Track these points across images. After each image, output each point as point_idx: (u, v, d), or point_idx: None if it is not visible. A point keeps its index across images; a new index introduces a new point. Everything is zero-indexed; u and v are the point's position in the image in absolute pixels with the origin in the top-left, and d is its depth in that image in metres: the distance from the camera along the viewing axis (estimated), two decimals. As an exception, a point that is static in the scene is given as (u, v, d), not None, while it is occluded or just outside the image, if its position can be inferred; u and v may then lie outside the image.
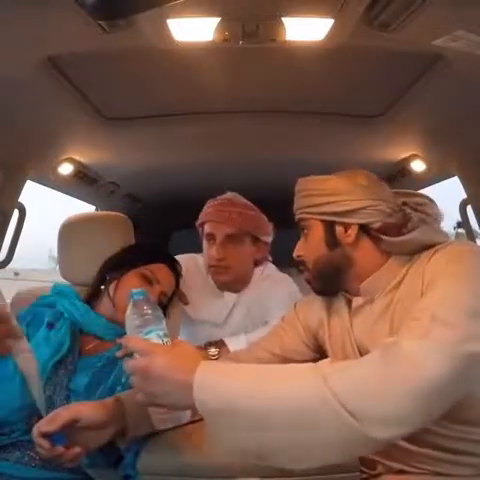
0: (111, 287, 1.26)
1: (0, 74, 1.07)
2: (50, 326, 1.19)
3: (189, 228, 3.29)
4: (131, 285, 1.19)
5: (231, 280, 1.56)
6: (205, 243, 1.57)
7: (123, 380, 1.11)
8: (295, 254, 1.07)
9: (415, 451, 0.91)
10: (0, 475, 1.00)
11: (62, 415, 0.89)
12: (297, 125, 1.64)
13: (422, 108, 1.37)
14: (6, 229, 1.72)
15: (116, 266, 1.30)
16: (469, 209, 1.87)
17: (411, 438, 0.91)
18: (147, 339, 0.81)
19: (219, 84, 1.30)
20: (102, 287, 1.30)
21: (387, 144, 1.78)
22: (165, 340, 0.82)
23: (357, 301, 1.03)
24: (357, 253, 1.00)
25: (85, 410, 0.92)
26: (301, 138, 1.80)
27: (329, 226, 1.01)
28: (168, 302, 1.34)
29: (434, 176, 1.98)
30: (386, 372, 0.72)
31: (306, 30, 0.97)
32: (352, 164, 2.08)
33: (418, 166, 1.88)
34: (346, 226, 1.00)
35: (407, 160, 1.89)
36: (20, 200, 1.74)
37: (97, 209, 2.54)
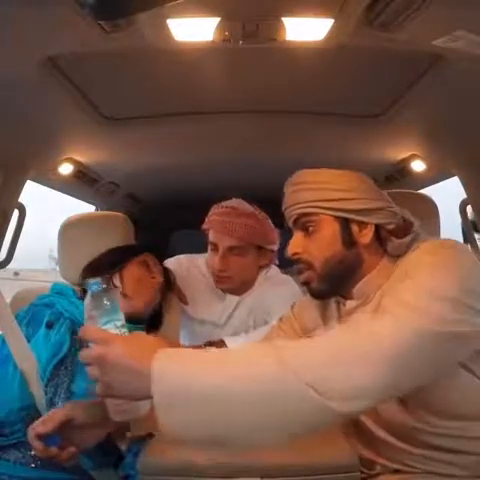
0: (116, 280, 1.26)
1: (0, 74, 1.07)
2: (49, 326, 1.19)
3: (189, 228, 3.29)
4: (135, 272, 1.25)
5: (233, 287, 1.56)
6: (209, 251, 1.56)
7: None
8: (292, 251, 0.99)
9: (411, 451, 0.92)
10: (0, 475, 1.00)
11: (56, 416, 0.89)
12: (297, 125, 1.64)
13: (422, 108, 1.37)
14: (6, 229, 1.72)
15: (112, 262, 1.31)
16: (469, 209, 1.87)
17: (406, 438, 0.92)
18: (104, 329, 0.81)
19: (219, 84, 1.30)
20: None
21: (387, 144, 1.78)
22: (122, 331, 0.82)
23: (351, 304, 1.00)
24: (366, 254, 0.98)
25: (79, 410, 0.91)
26: (301, 138, 1.80)
27: (345, 223, 0.97)
28: (165, 293, 1.37)
29: (434, 176, 1.99)
30: (344, 344, 0.73)
31: (306, 30, 0.97)
32: (352, 164, 2.08)
33: (418, 166, 1.87)
34: (360, 225, 0.97)
35: (407, 160, 1.89)
36: (20, 200, 1.74)
37: (97, 209, 2.54)
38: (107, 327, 0.82)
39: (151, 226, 2.77)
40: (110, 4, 0.68)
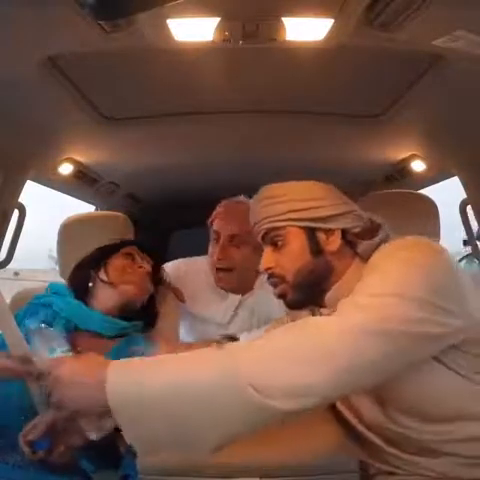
0: (102, 274, 1.28)
1: (0, 74, 1.07)
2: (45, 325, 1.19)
3: (189, 228, 3.29)
4: (119, 263, 1.29)
5: (233, 285, 1.55)
6: (211, 242, 1.57)
7: None
8: (265, 266, 0.99)
9: (400, 456, 0.92)
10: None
11: (43, 421, 0.90)
12: (297, 125, 1.64)
13: (422, 108, 1.37)
14: (6, 229, 1.72)
15: (97, 259, 1.33)
16: (469, 209, 1.87)
17: (394, 442, 0.92)
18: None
19: (219, 84, 1.30)
20: (90, 284, 1.30)
21: (387, 144, 1.78)
22: (70, 355, 0.91)
23: (325, 312, 0.99)
24: (336, 260, 0.98)
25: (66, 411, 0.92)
26: (301, 138, 1.80)
27: (311, 233, 0.97)
28: (157, 287, 1.39)
29: (434, 176, 1.98)
30: (289, 342, 0.75)
31: (306, 30, 0.97)
32: (352, 164, 2.10)
33: (418, 166, 1.87)
34: (327, 232, 0.97)
35: (407, 160, 1.88)
36: (20, 200, 1.74)
37: (97, 209, 2.54)
38: (54, 355, 0.91)
39: (151, 226, 2.77)
40: (110, 4, 0.68)
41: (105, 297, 1.27)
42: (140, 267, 1.32)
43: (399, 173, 2.03)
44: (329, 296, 0.98)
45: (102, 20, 0.86)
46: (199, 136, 1.75)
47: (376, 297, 0.80)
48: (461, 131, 1.54)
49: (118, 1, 0.68)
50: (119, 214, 1.54)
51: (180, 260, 1.73)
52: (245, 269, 1.51)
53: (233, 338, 1.35)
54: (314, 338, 0.75)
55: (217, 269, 1.52)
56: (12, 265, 1.87)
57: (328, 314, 0.96)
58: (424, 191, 2.06)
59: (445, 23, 0.90)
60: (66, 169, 1.82)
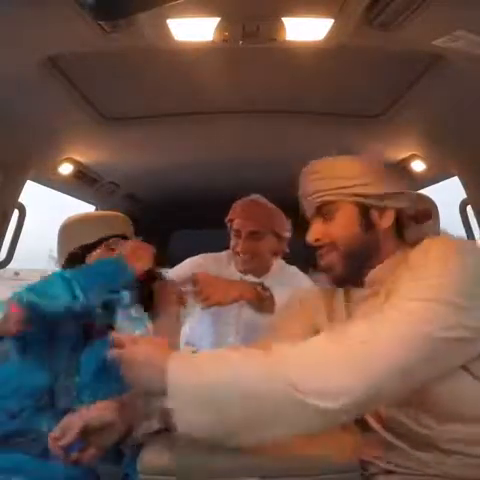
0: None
1: (0, 74, 1.07)
2: None
3: (189, 228, 3.29)
4: (98, 255, 1.33)
5: (252, 268, 1.78)
6: (233, 237, 1.79)
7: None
8: (312, 238, 1.00)
9: (409, 452, 0.91)
10: (12, 469, 1.01)
11: (74, 425, 0.91)
12: (297, 125, 1.64)
13: (422, 108, 1.37)
14: (6, 229, 1.72)
15: (80, 255, 1.35)
16: (469, 209, 1.87)
17: (406, 439, 0.92)
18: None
19: (219, 84, 1.30)
20: None
21: (387, 144, 1.78)
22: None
23: (362, 292, 0.99)
24: (384, 240, 0.97)
25: (95, 413, 0.94)
26: (301, 138, 1.80)
27: (364, 209, 0.96)
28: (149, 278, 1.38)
29: (434, 176, 1.98)
30: (333, 350, 0.78)
31: (306, 30, 0.97)
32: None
33: (418, 166, 1.87)
34: (381, 210, 0.96)
35: (407, 160, 1.88)
36: (20, 200, 1.74)
37: (97, 209, 2.54)
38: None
39: (151, 226, 2.77)
40: (110, 4, 0.68)
41: None
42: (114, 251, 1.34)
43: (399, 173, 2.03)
44: (370, 276, 0.98)
45: (102, 20, 0.86)
46: (199, 136, 1.75)
47: (415, 301, 0.80)
48: (461, 131, 1.54)
49: (118, 1, 0.68)
50: (119, 214, 1.53)
51: (198, 256, 1.92)
52: (263, 256, 1.77)
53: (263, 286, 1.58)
54: (355, 345, 0.78)
55: (240, 261, 1.76)
56: (12, 265, 1.87)
57: (367, 295, 0.97)
58: (424, 191, 2.07)
59: (445, 23, 0.90)
60: (66, 169, 1.82)
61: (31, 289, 1.13)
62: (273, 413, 0.77)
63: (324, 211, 1.00)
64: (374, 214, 0.97)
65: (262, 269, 1.80)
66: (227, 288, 1.51)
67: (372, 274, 0.97)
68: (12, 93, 1.18)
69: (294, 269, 1.88)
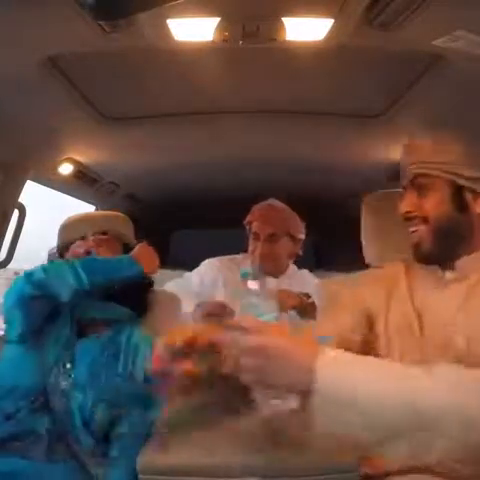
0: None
1: (0, 74, 1.07)
2: None
3: (189, 228, 3.29)
4: (75, 247, 1.35)
5: (272, 268, 1.88)
6: (251, 240, 1.90)
7: (120, 369, 1.17)
8: (405, 209, 0.99)
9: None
10: (10, 474, 1.01)
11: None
12: (297, 125, 1.64)
13: (422, 108, 1.37)
14: (6, 229, 1.72)
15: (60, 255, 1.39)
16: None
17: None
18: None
19: (219, 84, 1.30)
20: None
21: (387, 144, 1.78)
22: (275, 322, 0.79)
23: (450, 275, 0.97)
24: (479, 225, 0.95)
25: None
26: (301, 138, 1.80)
27: (458, 189, 0.95)
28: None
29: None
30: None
31: (306, 30, 0.97)
32: (352, 164, 2.10)
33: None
34: (477, 195, 0.95)
35: (407, 160, 1.88)
36: (20, 200, 1.74)
37: (97, 209, 2.54)
38: (265, 318, 0.79)
39: (151, 226, 2.77)
40: (110, 4, 0.68)
41: None
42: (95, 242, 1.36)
43: (399, 173, 2.03)
44: (462, 263, 0.96)
45: (102, 20, 0.86)
46: (199, 136, 1.75)
47: None
48: (461, 131, 1.54)
49: (118, 1, 0.68)
50: (119, 214, 1.53)
51: (215, 258, 2.02)
52: (280, 258, 1.90)
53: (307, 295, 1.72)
54: None
55: (259, 261, 1.84)
56: (12, 265, 1.87)
57: (454, 279, 0.95)
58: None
59: (445, 23, 0.90)
60: (66, 169, 1.82)
61: (41, 268, 1.16)
62: (437, 429, 0.69)
63: (419, 184, 0.98)
64: (468, 196, 0.95)
65: (279, 270, 1.92)
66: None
67: (462, 262, 0.95)
68: (12, 93, 1.18)
69: (305, 271, 2.03)
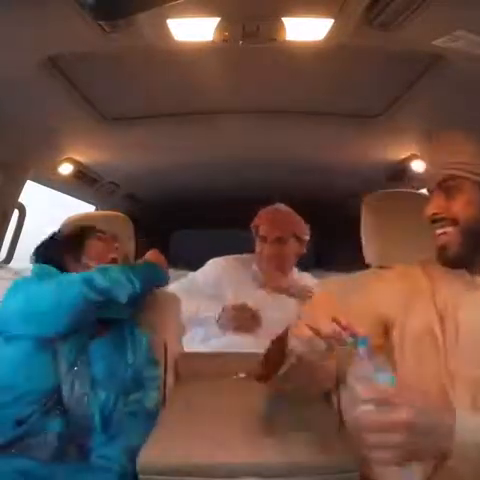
0: (84, 258, 1.34)
1: (0, 74, 1.07)
2: None
3: (189, 228, 3.29)
4: (96, 246, 1.36)
5: (279, 268, 2.00)
6: (259, 242, 2.00)
7: (130, 361, 1.23)
8: (432, 211, 0.97)
9: None
10: (18, 475, 1.00)
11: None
12: (297, 125, 1.64)
13: (422, 108, 1.37)
14: (6, 229, 1.72)
15: (72, 242, 1.37)
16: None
17: None
18: (384, 387, 0.71)
19: (219, 84, 1.30)
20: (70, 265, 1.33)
21: (387, 144, 1.78)
22: (394, 385, 0.72)
23: (464, 278, 0.95)
24: None
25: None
26: (301, 138, 1.80)
27: None
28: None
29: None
30: None
31: (306, 30, 0.97)
32: (352, 164, 2.10)
33: (418, 166, 1.87)
34: None
35: (407, 160, 1.88)
36: (20, 200, 1.74)
37: (97, 209, 2.54)
38: (383, 384, 0.71)
39: (151, 226, 2.77)
40: (110, 4, 0.68)
41: None
42: (117, 248, 1.39)
43: (399, 173, 2.03)
44: None
45: (102, 20, 0.86)
46: (199, 136, 1.75)
47: None
48: (461, 131, 1.53)
49: (118, 1, 0.68)
50: (119, 214, 1.54)
51: (221, 258, 2.09)
52: (287, 258, 2.00)
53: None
54: None
55: (266, 263, 1.97)
56: (12, 265, 1.87)
57: None
58: (424, 191, 2.07)
59: (445, 23, 0.90)
60: (66, 169, 1.82)
61: (99, 274, 1.19)
62: None
63: (447, 186, 0.97)
64: None
65: (285, 268, 2.02)
66: None
67: None
68: (12, 93, 1.18)
69: (306, 275, 2.13)
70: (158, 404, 1.24)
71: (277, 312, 1.84)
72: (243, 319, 1.85)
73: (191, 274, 2.05)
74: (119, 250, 1.40)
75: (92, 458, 1.08)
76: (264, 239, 1.98)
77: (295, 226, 1.99)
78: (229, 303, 1.90)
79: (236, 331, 1.83)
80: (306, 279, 2.08)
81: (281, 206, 2.02)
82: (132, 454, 1.00)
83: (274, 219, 1.98)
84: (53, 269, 1.30)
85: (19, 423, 1.06)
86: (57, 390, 1.12)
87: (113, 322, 1.28)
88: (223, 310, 1.85)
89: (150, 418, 1.17)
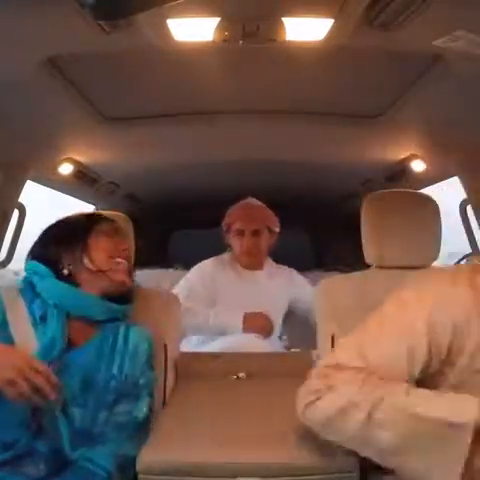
0: (86, 260, 1.14)
1: (0, 74, 1.07)
2: (42, 319, 1.10)
3: (189, 228, 3.29)
4: (102, 243, 1.16)
5: (256, 263, 2.10)
6: (236, 237, 2.06)
7: (115, 371, 1.10)
8: None
9: None
10: None
11: None
12: (297, 125, 1.64)
13: (422, 108, 1.37)
14: (6, 229, 1.72)
15: (71, 240, 1.17)
16: (469, 209, 1.87)
17: None
18: None
19: (219, 84, 1.30)
20: (70, 267, 1.14)
21: (387, 144, 1.78)
22: None
23: None
24: None
25: None
26: (301, 138, 1.80)
27: None
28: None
29: (434, 176, 1.99)
30: None
31: (306, 30, 0.97)
32: (352, 164, 2.10)
33: (418, 166, 1.88)
34: None
35: (407, 160, 1.89)
36: (20, 200, 1.74)
37: (97, 209, 2.54)
38: None
39: (151, 226, 2.77)
40: (110, 4, 0.68)
41: (91, 282, 1.14)
42: (124, 249, 1.20)
43: (399, 173, 2.03)
44: None
45: (102, 20, 0.86)
46: (199, 136, 1.75)
47: None
48: (461, 131, 1.54)
49: (118, 1, 0.68)
50: (119, 213, 1.53)
51: (201, 264, 2.12)
52: (263, 251, 2.08)
53: None
54: None
55: (246, 255, 2.05)
56: (12, 265, 1.87)
57: None
58: (424, 191, 2.07)
59: (445, 23, 0.90)
60: (66, 169, 1.82)
61: None
62: None
63: None
64: None
65: (261, 262, 2.11)
66: None
67: None
68: (12, 93, 1.18)
69: (292, 270, 2.19)
70: (151, 411, 1.12)
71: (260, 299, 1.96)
72: (263, 324, 1.93)
73: (178, 287, 2.05)
74: (127, 253, 1.22)
75: (78, 462, 1.00)
76: (241, 233, 2.04)
77: (268, 219, 2.07)
78: (223, 303, 1.97)
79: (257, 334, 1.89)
80: (295, 278, 2.17)
81: (253, 200, 2.09)
82: (122, 462, 0.97)
83: (249, 213, 2.04)
84: (44, 270, 1.14)
85: (6, 448, 1.00)
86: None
87: (105, 322, 1.15)
88: (245, 317, 1.90)
89: (142, 428, 1.07)
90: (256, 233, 2.03)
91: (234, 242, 2.08)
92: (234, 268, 2.10)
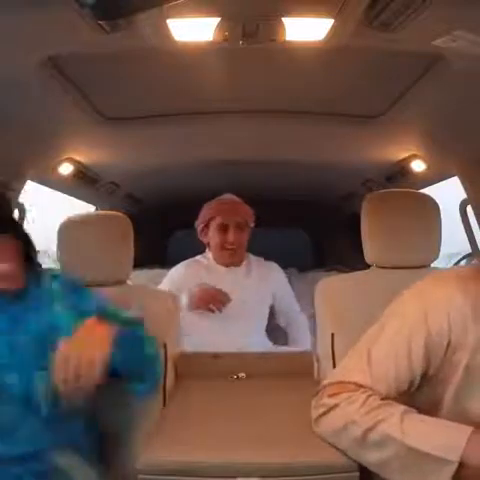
0: None
1: (0, 74, 1.07)
2: None
3: (189, 228, 3.29)
4: None
5: (237, 258, 2.08)
6: (217, 233, 2.02)
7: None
8: None
9: None
10: None
11: None
12: (297, 125, 1.64)
13: (422, 108, 1.37)
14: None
15: None
16: (469, 209, 1.87)
17: None
18: None
19: (219, 84, 1.30)
20: None
21: (387, 144, 1.78)
22: None
23: None
24: None
25: None
26: (301, 138, 1.80)
27: None
28: None
29: (434, 176, 1.99)
30: None
31: (306, 30, 0.97)
32: (352, 164, 2.10)
33: (418, 166, 1.88)
34: None
35: (407, 160, 1.89)
36: (20, 200, 1.74)
37: (97, 209, 2.54)
38: None
39: (151, 226, 2.77)
40: (110, 4, 0.68)
41: None
42: None
43: (399, 173, 2.03)
44: None
45: (102, 20, 0.86)
46: (199, 136, 1.75)
47: None
48: (461, 131, 1.54)
49: (118, 1, 0.68)
50: (119, 214, 1.53)
51: (178, 266, 2.11)
52: (244, 246, 2.07)
53: None
54: None
55: (229, 250, 2.02)
56: (12, 265, 1.86)
57: None
58: (424, 191, 2.07)
59: (445, 23, 0.90)
60: (66, 169, 1.82)
61: None
62: None
63: None
64: None
65: (241, 259, 2.10)
66: None
67: None
68: (12, 93, 1.18)
69: (272, 264, 2.17)
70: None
71: (245, 291, 1.96)
72: (210, 296, 1.91)
73: (163, 285, 2.06)
74: None
75: None
76: (224, 227, 2.01)
77: (248, 213, 2.06)
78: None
79: (205, 309, 1.89)
80: (275, 271, 2.16)
81: (230, 195, 2.09)
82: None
83: (231, 207, 2.03)
84: None
85: None
86: None
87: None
88: (189, 292, 1.90)
89: None
90: (240, 227, 2.02)
91: (215, 238, 2.04)
92: (207, 268, 2.07)
